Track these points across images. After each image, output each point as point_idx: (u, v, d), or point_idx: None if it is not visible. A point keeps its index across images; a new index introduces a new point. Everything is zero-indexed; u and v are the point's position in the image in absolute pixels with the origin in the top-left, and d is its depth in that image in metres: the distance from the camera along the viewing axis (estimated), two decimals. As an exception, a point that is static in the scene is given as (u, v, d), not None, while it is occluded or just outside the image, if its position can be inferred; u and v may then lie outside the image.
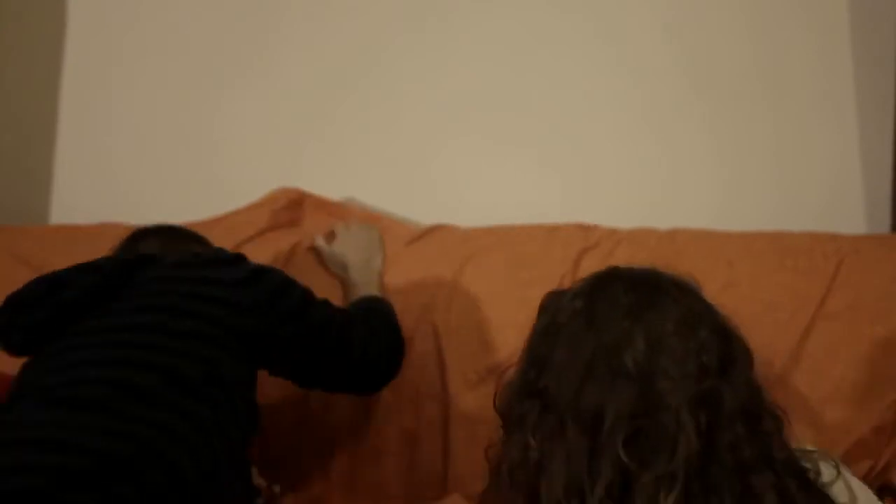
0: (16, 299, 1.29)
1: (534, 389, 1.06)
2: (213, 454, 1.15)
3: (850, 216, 1.89)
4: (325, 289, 1.55)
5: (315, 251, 1.74)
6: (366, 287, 1.63)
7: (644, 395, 0.98)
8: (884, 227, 1.89)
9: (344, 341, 1.37)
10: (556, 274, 1.63)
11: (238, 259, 1.32)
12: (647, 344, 1.01)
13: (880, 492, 1.47)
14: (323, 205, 1.87)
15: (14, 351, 1.28)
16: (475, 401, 1.53)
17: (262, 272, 1.30)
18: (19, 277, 1.70)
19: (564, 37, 1.94)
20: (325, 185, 1.93)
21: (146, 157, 2.04)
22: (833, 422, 1.48)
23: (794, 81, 1.91)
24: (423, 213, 1.90)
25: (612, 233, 1.74)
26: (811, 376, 1.51)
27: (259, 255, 1.76)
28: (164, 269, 1.28)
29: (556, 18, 1.94)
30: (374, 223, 1.80)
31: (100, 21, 2.04)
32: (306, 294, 1.35)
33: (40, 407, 1.13)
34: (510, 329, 1.57)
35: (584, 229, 1.76)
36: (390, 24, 1.97)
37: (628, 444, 0.96)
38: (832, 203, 1.90)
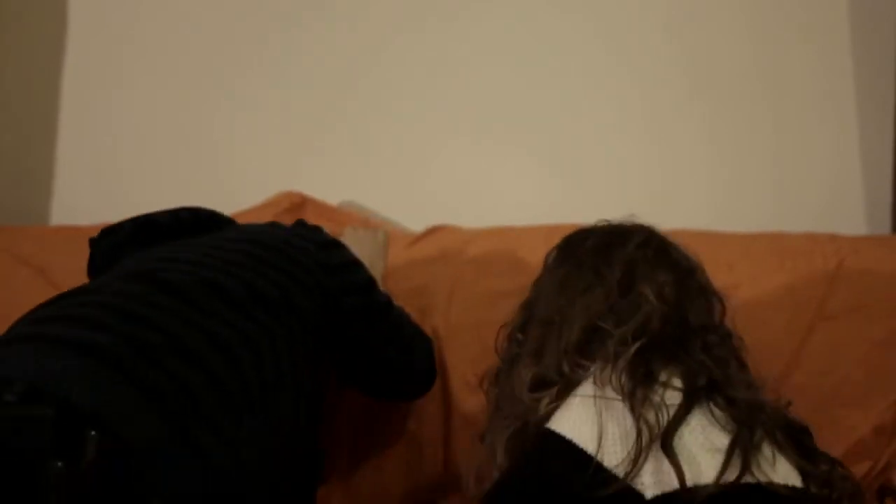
0: (109, 227, 1.37)
1: (524, 321, 1.29)
2: (281, 376, 1.14)
3: (850, 217, 1.90)
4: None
5: None
6: None
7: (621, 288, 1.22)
8: (884, 227, 1.89)
9: (398, 332, 1.41)
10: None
11: (319, 227, 1.39)
12: (622, 270, 1.24)
13: (880, 492, 1.48)
14: (324, 210, 1.88)
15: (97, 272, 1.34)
16: (475, 403, 1.53)
17: (340, 244, 1.38)
18: (19, 278, 1.71)
19: (564, 37, 1.95)
20: (326, 185, 1.94)
21: (147, 159, 2.04)
22: (833, 422, 1.47)
23: (794, 81, 1.92)
24: (423, 214, 1.90)
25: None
26: (812, 377, 1.51)
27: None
28: (254, 225, 1.39)
29: (556, 19, 1.94)
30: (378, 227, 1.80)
31: (101, 22, 2.04)
32: (372, 279, 1.39)
33: (128, 281, 1.15)
34: (510, 330, 1.57)
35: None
36: (390, 27, 1.98)
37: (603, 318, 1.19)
38: (832, 204, 1.90)
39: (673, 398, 1.07)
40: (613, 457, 1.01)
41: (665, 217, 1.88)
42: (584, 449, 1.02)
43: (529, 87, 1.95)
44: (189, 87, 2.01)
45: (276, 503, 1.12)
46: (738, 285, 1.56)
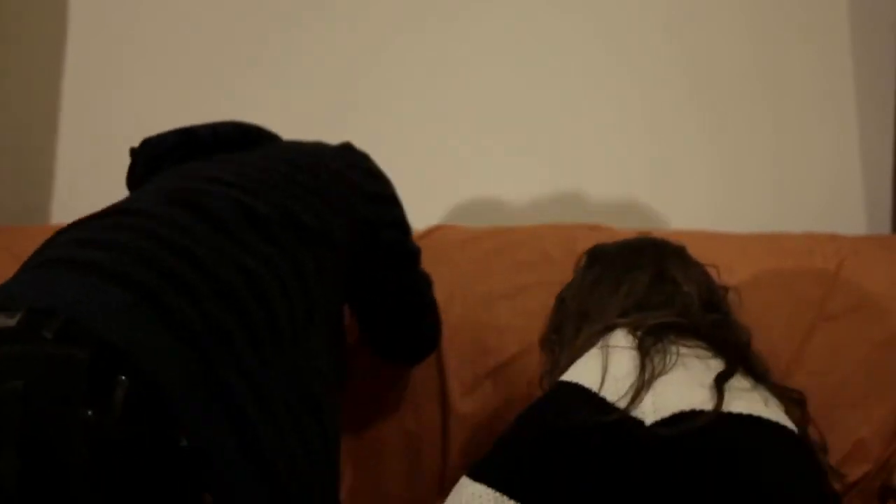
0: (151, 138, 1.33)
1: (557, 324, 1.32)
2: (310, 312, 1.12)
3: (851, 217, 1.90)
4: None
5: None
6: None
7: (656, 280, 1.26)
8: (884, 227, 1.89)
9: (418, 287, 1.43)
10: (556, 276, 1.63)
11: (366, 155, 1.42)
12: (654, 266, 1.28)
13: (881, 492, 1.48)
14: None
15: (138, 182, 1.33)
16: (474, 404, 1.53)
17: (385, 177, 1.39)
18: (19, 278, 1.71)
19: (565, 37, 1.95)
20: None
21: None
22: (834, 423, 1.47)
23: (794, 81, 1.92)
24: (423, 214, 1.90)
25: (612, 234, 1.74)
26: (812, 378, 1.51)
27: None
28: (299, 143, 1.37)
29: (556, 19, 1.94)
30: None
31: (101, 22, 2.04)
32: (408, 224, 1.40)
33: (170, 204, 1.10)
34: (510, 332, 1.57)
35: (584, 230, 1.76)
36: (390, 27, 1.98)
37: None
38: (832, 204, 1.90)
39: (685, 352, 1.12)
40: (615, 392, 1.05)
41: (665, 217, 1.90)
42: (588, 387, 1.07)
43: (529, 87, 1.95)
44: (189, 87, 2.01)
45: (304, 445, 1.07)
46: (738, 286, 1.56)
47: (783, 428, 1.06)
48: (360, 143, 2.01)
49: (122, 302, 0.93)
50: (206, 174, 1.19)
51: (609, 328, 1.18)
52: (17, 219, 2.02)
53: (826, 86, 1.91)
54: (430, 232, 1.81)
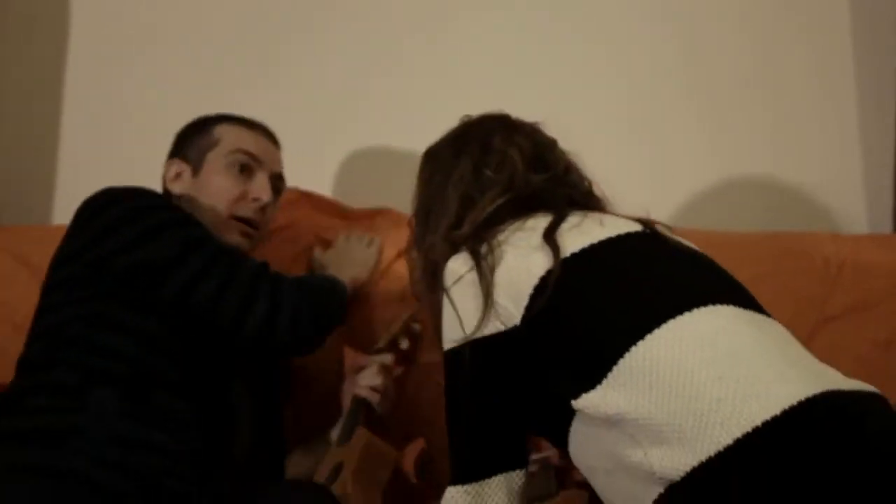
0: None
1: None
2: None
3: (851, 217, 1.89)
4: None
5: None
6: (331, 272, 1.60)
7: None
8: (885, 227, 1.89)
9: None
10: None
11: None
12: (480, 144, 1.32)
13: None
14: (322, 203, 1.87)
15: None
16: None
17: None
18: (19, 278, 1.71)
19: (564, 37, 1.95)
20: (327, 184, 1.94)
21: (149, 158, 2.03)
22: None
23: (794, 81, 1.91)
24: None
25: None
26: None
27: (259, 258, 1.77)
28: None
29: (556, 19, 1.94)
30: (376, 234, 1.78)
31: (104, 21, 2.05)
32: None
33: None
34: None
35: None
36: (390, 27, 1.98)
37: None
38: (833, 203, 1.90)
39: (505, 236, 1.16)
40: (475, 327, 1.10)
41: (664, 217, 1.89)
42: (460, 344, 1.11)
43: (529, 87, 1.95)
44: (192, 88, 2.01)
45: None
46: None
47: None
48: (360, 142, 2.03)
49: None
50: None
51: (458, 225, 1.21)
52: (18, 218, 2.02)
53: (826, 86, 1.91)
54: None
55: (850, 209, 1.91)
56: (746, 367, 0.96)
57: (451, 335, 1.12)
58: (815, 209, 1.90)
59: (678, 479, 0.90)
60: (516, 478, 1.08)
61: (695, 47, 1.93)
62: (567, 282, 1.07)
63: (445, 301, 1.14)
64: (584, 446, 1.03)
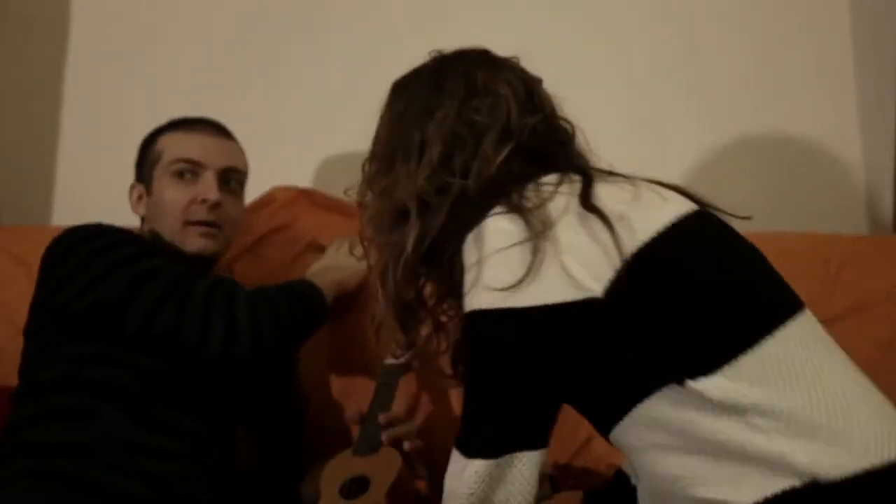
0: None
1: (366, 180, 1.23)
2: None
3: (851, 217, 1.89)
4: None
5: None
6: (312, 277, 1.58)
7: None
8: (885, 228, 1.89)
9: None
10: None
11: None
12: (464, 77, 1.18)
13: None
14: (322, 201, 1.86)
15: None
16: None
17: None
18: (19, 278, 1.71)
19: (564, 37, 1.94)
20: (326, 185, 1.94)
21: (147, 158, 2.04)
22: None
23: (794, 81, 1.91)
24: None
25: (611, 234, 1.74)
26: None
27: (261, 259, 1.77)
28: None
29: (556, 19, 1.94)
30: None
31: (104, 21, 2.05)
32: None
33: None
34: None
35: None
36: (390, 27, 1.98)
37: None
38: (832, 204, 1.90)
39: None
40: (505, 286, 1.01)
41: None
42: (497, 306, 1.02)
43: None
44: (191, 88, 2.02)
45: None
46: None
47: None
48: (367, 146, 2.01)
49: None
50: None
51: (445, 165, 1.12)
52: (18, 218, 2.03)
53: (826, 86, 1.91)
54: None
55: (850, 209, 1.91)
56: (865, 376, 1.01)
57: (490, 298, 1.01)
58: (815, 209, 1.89)
59: (838, 479, 0.88)
60: (542, 457, 1.02)
61: (695, 47, 1.93)
62: (660, 259, 1.03)
63: (484, 259, 1.03)
64: (653, 426, 0.99)
